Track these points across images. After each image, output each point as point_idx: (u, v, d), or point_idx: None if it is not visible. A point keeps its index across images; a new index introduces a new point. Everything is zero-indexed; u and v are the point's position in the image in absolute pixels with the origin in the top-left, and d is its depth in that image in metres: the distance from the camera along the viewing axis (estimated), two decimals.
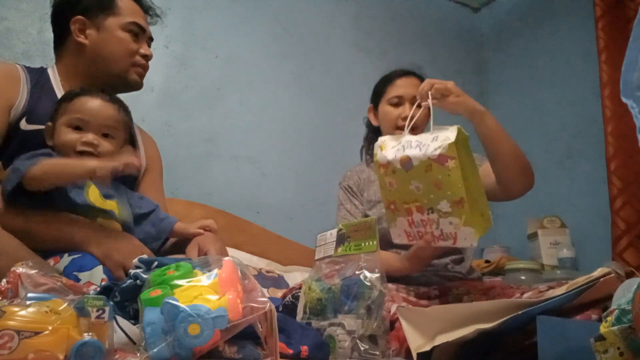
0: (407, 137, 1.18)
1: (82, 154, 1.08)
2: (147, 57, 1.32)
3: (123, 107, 1.18)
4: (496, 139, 1.24)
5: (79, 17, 1.25)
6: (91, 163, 1.00)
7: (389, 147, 1.19)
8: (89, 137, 1.09)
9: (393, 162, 1.16)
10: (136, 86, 1.33)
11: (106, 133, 1.12)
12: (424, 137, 1.14)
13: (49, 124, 1.12)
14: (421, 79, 1.52)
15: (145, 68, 1.33)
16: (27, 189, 0.99)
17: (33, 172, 0.98)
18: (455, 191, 1.08)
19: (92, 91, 1.15)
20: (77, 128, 1.10)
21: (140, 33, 1.30)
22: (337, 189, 1.61)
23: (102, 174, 0.98)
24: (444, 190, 1.10)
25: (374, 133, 1.61)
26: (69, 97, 1.13)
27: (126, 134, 1.20)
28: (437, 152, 1.08)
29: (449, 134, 1.09)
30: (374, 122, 1.60)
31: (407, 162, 1.13)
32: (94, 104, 1.12)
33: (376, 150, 1.22)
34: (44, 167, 0.99)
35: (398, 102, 1.50)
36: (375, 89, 1.61)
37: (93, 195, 1.09)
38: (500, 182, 1.29)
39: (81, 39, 1.25)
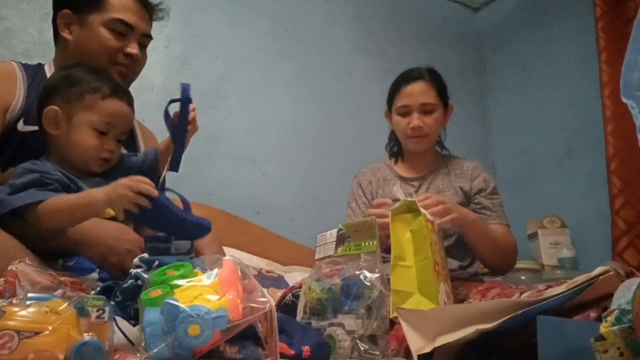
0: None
1: (102, 160, 1.08)
2: (131, 57, 1.22)
3: (133, 108, 1.15)
4: (479, 242, 1.40)
5: (66, 11, 1.20)
6: (103, 196, 0.92)
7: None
8: (112, 144, 1.09)
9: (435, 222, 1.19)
10: None
11: (120, 139, 1.12)
12: None
13: (55, 108, 1.05)
14: (430, 80, 1.51)
15: (128, 67, 1.24)
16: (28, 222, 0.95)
17: (39, 213, 0.93)
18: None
19: (118, 89, 1.10)
20: (101, 132, 1.07)
21: (127, 31, 1.21)
22: (340, 187, 1.61)
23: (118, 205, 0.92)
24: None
25: (393, 133, 1.63)
26: (100, 91, 1.06)
27: None
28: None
29: None
30: (390, 126, 1.61)
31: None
32: (123, 109, 1.10)
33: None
34: (51, 208, 0.93)
35: (406, 112, 1.50)
36: (388, 93, 1.59)
37: None
38: (483, 263, 1.50)
39: (65, 33, 1.21)
